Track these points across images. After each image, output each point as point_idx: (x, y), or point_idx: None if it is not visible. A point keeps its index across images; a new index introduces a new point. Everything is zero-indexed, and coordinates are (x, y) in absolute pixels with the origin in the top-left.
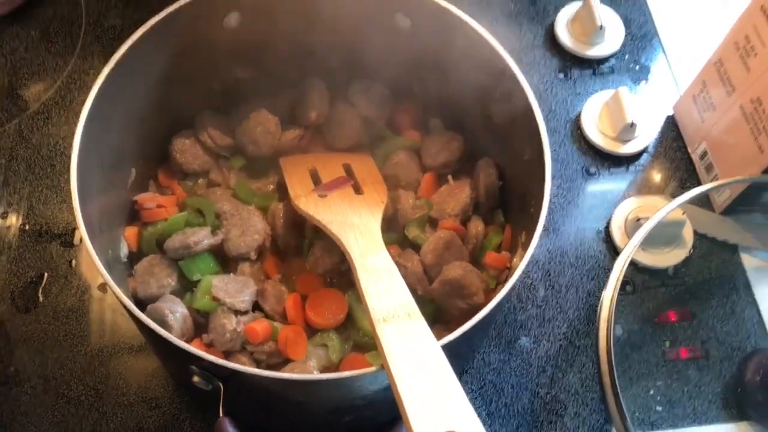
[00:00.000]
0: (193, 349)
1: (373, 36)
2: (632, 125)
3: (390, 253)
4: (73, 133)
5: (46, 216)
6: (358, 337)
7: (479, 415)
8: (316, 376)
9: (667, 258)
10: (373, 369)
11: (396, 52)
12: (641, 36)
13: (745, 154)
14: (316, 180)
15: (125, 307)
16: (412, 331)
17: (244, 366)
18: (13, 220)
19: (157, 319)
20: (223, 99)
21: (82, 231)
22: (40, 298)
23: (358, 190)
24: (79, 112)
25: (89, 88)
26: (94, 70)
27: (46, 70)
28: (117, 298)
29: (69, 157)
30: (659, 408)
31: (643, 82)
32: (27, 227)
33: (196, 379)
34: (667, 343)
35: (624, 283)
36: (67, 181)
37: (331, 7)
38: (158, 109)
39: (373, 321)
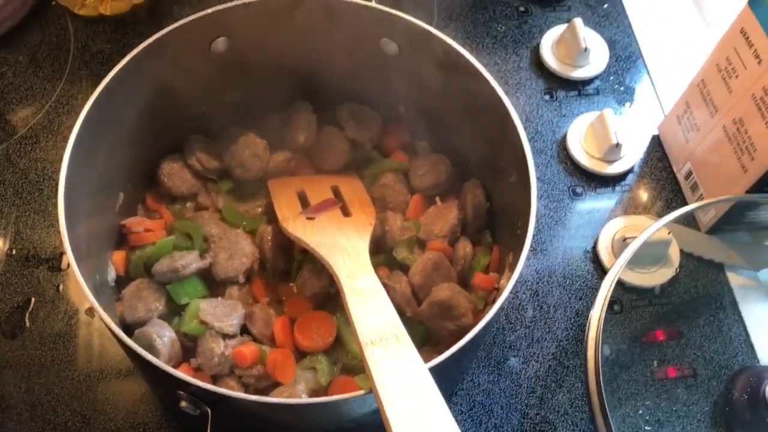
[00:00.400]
0: (180, 374)
1: (360, 60)
2: (618, 146)
3: (378, 274)
4: (61, 158)
5: (34, 240)
6: (347, 359)
7: None
8: (305, 400)
9: (654, 277)
10: (361, 392)
11: (383, 76)
12: (626, 57)
13: (729, 173)
14: (304, 202)
15: (112, 332)
16: (400, 354)
17: (231, 391)
18: (0, 245)
19: (145, 343)
20: (211, 122)
21: (70, 256)
22: (27, 323)
23: (346, 212)
24: (67, 136)
25: (77, 113)
26: (82, 94)
27: (34, 94)
28: (104, 323)
29: (57, 182)
30: (648, 428)
31: (628, 103)
32: (14, 252)
33: (183, 404)
34: (655, 363)
35: (611, 303)
36: (55, 205)
37: (319, 32)
38: (146, 133)
39: (361, 344)
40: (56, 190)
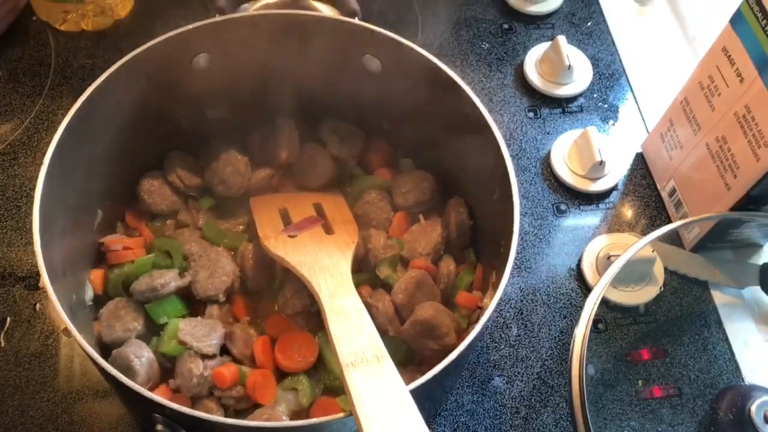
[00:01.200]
0: (156, 396)
1: (342, 76)
2: (601, 163)
3: (361, 293)
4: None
5: (10, 258)
6: (329, 380)
7: None
8: (284, 423)
9: (639, 295)
10: (341, 415)
11: (366, 92)
12: (609, 75)
13: (713, 191)
14: (286, 220)
15: (87, 353)
16: (380, 376)
17: (209, 414)
18: None
19: (123, 364)
20: (192, 139)
21: (44, 275)
22: (2, 343)
23: (328, 230)
24: (46, 152)
25: (57, 129)
26: (62, 110)
27: (13, 110)
28: (78, 344)
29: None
30: None
31: (612, 120)
32: None
33: (159, 427)
34: (640, 382)
35: (596, 321)
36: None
37: (301, 48)
38: (126, 149)
39: (341, 365)
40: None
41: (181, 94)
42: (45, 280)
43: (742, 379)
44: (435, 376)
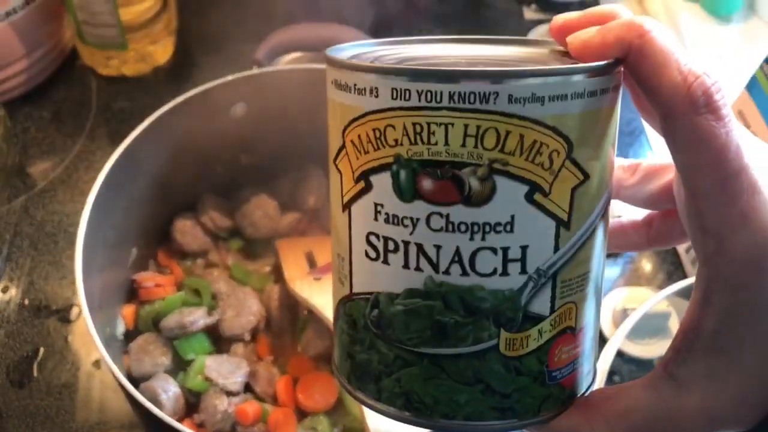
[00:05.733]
0: (185, 428)
1: None
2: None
3: None
4: (77, 211)
5: (46, 291)
6: (347, 421)
7: None
8: None
9: (654, 349)
10: None
11: None
12: (629, 132)
13: None
14: (311, 263)
15: (120, 384)
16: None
17: None
18: (13, 295)
19: (150, 398)
20: (225, 182)
21: (84, 307)
22: (35, 373)
23: None
24: (84, 190)
25: (95, 168)
26: (101, 151)
27: (55, 149)
28: (113, 375)
29: (72, 234)
30: None
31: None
32: (26, 302)
33: None
34: None
35: (611, 374)
36: (69, 257)
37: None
38: (162, 191)
39: (362, 407)
40: (71, 242)
41: (217, 141)
42: (84, 311)
43: None
44: None
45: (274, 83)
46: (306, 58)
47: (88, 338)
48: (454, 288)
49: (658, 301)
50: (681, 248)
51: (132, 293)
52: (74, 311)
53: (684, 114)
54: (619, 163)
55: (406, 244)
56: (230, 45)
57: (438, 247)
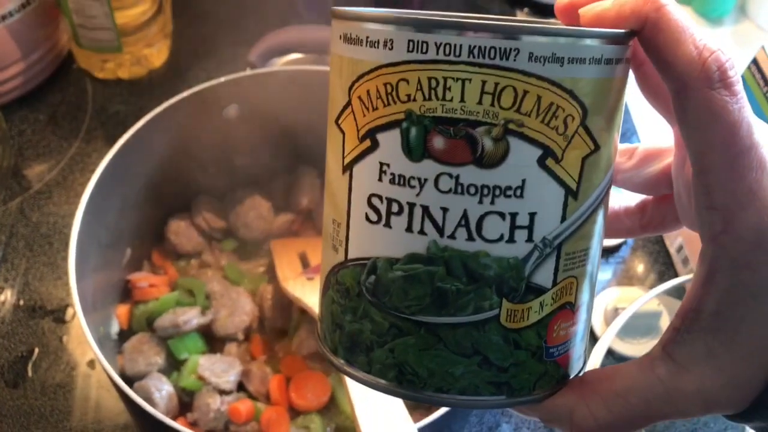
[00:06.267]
0: (181, 427)
1: None
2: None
3: None
4: (72, 213)
5: (41, 292)
6: (340, 420)
7: None
8: None
9: (645, 348)
10: None
11: None
12: (621, 134)
13: None
14: (305, 263)
15: (115, 384)
16: (391, 415)
17: None
18: (8, 296)
19: (144, 396)
20: (218, 184)
21: (77, 308)
22: (29, 374)
23: None
24: (80, 192)
25: (90, 170)
26: (96, 153)
27: (50, 151)
28: (107, 375)
29: (67, 236)
30: None
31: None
32: (21, 303)
33: None
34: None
35: None
36: (64, 258)
37: (324, 101)
38: (156, 192)
39: (352, 402)
40: (66, 243)
41: (211, 142)
42: (78, 312)
43: (745, 429)
44: (443, 417)
45: (267, 85)
46: (300, 60)
47: (82, 338)
48: (458, 253)
49: (648, 300)
50: (672, 248)
51: (126, 293)
52: (69, 312)
53: (698, 88)
54: None
55: (411, 206)
56: (225, 47)
57: (445, 210)
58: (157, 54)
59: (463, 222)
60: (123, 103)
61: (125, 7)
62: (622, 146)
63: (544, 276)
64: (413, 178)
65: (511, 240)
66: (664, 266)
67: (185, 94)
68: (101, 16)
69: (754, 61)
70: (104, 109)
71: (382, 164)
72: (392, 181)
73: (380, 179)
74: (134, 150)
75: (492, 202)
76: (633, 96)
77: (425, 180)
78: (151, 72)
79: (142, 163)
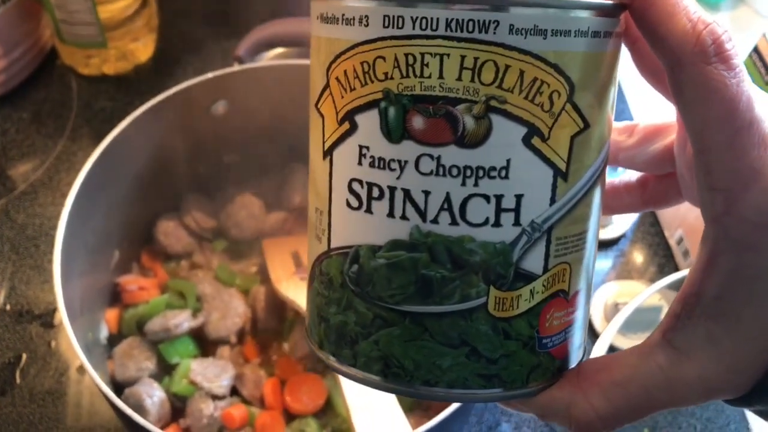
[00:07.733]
0: None
1: None
2: None
3: None
4: (58, 214)
5: (28, 296)
6: (336, 423)
7: None
8: None
9: None
10: None
11: None
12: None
13: None
14: (298, 263)
15: (101, 391)
16: (388, 420)
17: None
18: None
19: (135, 403)
20: (208, 182)
21: (63, 314)
22: (18, 380)
23: None
24: (66, 192)
25: (77, 170)
26: (82, 151)
27: (35, 151)
28: (94, 383)
29: (53, 238)
30: None
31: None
32: (8, 307)
33: None
34: (646, 430)
35: None
36: (50, 261)
37: None
38: (144, 192)
39: (348, 408)
40: (53, 246)
41: (199, 140)
42: (64, 318)
43: (748, 428)
44: (443, 421)
45: (255, 80)
46: (289, 54)
47: (71, 343)
48: (442, 239)
49: (649, 294)
50: (672, 240)
51: (115, 297)
52: (57, 316)
53: (693, 63)
54: (614, 125)
55: (392, 190)
56: (212, 42)
57: (426, 193)
58: (142, 49)
59: (445, 205)
60: (109, 100)
61: (109, 0)
62: (620, 123)
63: (533, 262)
64: (393, 160)
65: (497, 224)
66: (664, 258)
67: (171, 91)
68: (84, 11)
69: (756, 50)
70: (89, 106)
71: (361, 147)
72: (372, 165)
73: (360, 163)
74: (121, 148)
75: (475, 184)
76: (629, 80)
77: (405, 162)
78: (137, 67)
79: (129, 162)
